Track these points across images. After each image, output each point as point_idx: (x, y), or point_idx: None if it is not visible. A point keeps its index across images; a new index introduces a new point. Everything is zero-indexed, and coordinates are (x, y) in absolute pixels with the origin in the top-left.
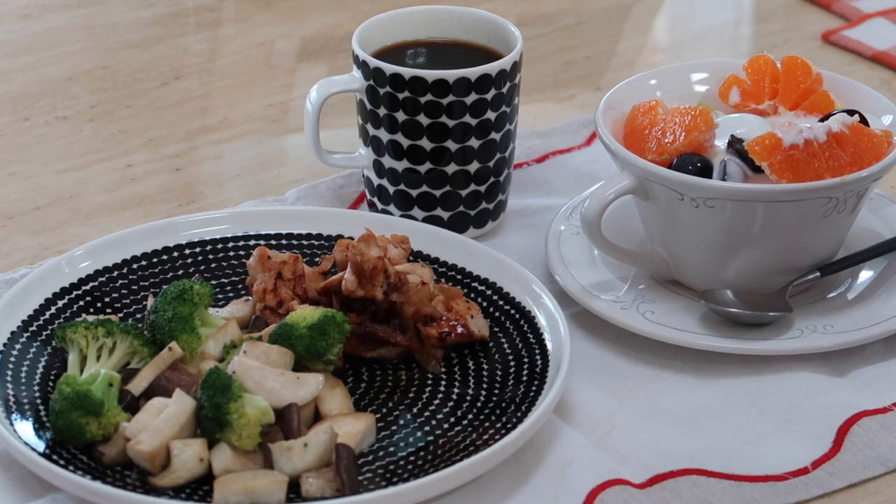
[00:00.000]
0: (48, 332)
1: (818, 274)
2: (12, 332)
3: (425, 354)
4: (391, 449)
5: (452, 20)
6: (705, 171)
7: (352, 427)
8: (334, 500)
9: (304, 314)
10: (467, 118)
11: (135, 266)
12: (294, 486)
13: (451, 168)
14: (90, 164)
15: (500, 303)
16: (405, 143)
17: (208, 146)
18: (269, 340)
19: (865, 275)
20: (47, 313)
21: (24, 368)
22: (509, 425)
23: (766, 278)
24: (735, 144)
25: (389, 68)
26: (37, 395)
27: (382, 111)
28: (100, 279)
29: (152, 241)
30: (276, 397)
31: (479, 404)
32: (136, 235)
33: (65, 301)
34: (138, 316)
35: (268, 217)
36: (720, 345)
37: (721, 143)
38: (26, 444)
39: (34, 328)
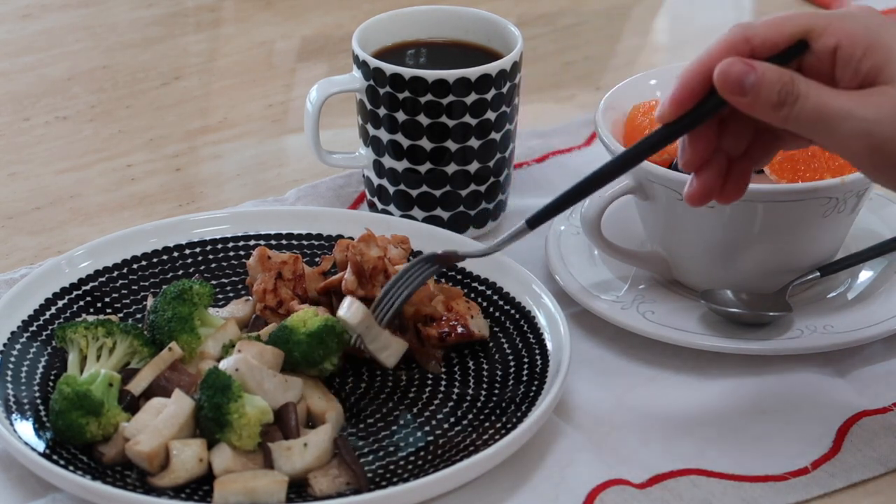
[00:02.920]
0: (48, 332)
1: (818, 274)
2: (12, 332)
3: (425, 354)
4: (391, 449)
5: (452, 20)
6: None
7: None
8: (340, 500)
9: (305, 319)
10: (467, 118)
11: (135, 266)
12: (294, 486)
13: (451, 168)
14: (90, 164)
15: (500, 303)
16: (405, 143)
17: (208, 146)
18: (268, 341)
19: (865, 275)
20: (47, 313)
21: (24, 368)
22: (509, 425)
23: (766, 278)
24: None
25: (389, 68)
26: (37, 395)
27: (382, 111)
28: (100, 279)
29: (152, 241)
30: (271, 398)
31: (479, 404)
32: (136, 235)
33: (65, 301)
34: (138, 316)
35: (268, 217)
36: (720, 345)
37: None
38: (26, 444)
39: (34, 328)
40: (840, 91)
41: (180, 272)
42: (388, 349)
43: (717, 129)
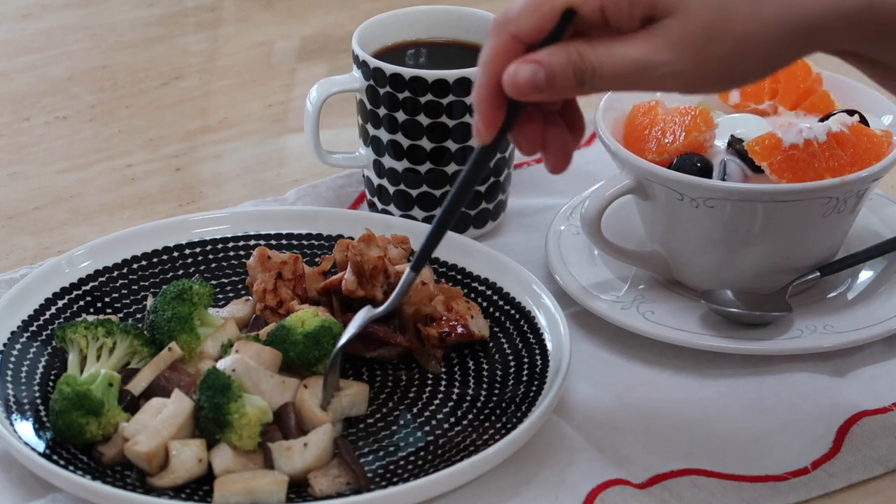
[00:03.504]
0: (48, 332)
1: (818, 274)
2: (12, 332)
3: (425, 354)
4: (391, 449)
5: (452, 20)
6: (705, 171)
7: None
8: (340, 500)
9: (303, 319)
10: (467, 118)
11: (135, 266)
12: (294, 486)
13: (451, 168)
14: (90, 164)
15: (500, 303)
16: (405, 143)
17: (208, 146)
18: (266, 341)
19: (865, 275)
20: (47, 313)
21: (24, 368)
22: (509, 425)
23: (766, 278)
24: (735, 144)
25: (389, 68)
26: (37, 395)
27: (382, 111)
28: (100, 279)
29: (152, 241)
30: (269, 398)
31: (479, 404)
32: (136, 235)
33: (65, 301)
34: (138, 316)
35: (268, 217)
36: (720, 345)
37: (721, 143)
38: (26, 444)
39: (34, 328)
40: (629, 39)
41: (180, 272)
42: (354, 405)
43: (535, 107)
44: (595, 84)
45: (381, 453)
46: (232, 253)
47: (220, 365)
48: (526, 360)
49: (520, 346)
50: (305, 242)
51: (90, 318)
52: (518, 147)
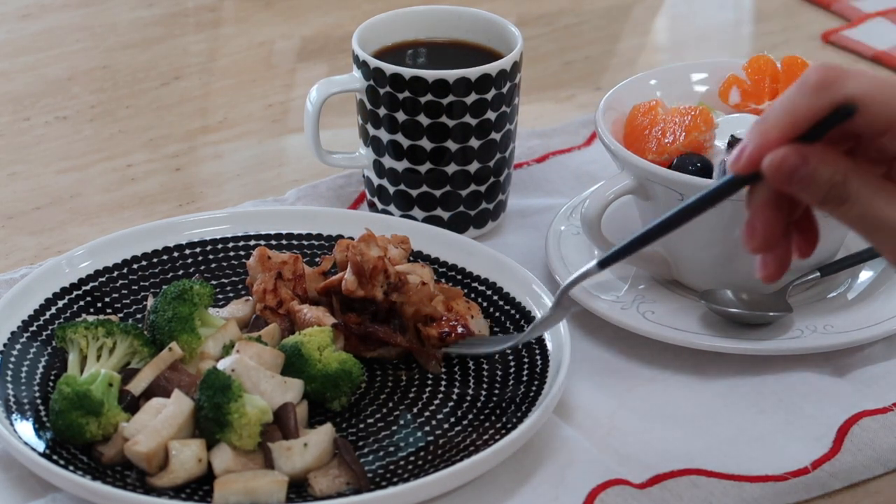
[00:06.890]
0: (48, 332)
1: (818, 274)
2: (12, 332)
3: (425, 354)
4: (391, 449)
5: (452, 20)
6: (705, 171)
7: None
8: (340, 500)
9: (321, 345)
10: (467, 118)
11: (135, 266)
12: (294, 486)
13: (451, 168)
14: (90, 164)
15: (500, 303)
16: (405, 143)
17: (208, 146)
18: (284, 366)
19: (865, 275)
20: (47, 313)
21: (24, 368)
22: (509, 425)
23: None
24: (735, 144)
25: (389, 68)
26: (37, 395)
27: (382, 111)
28: (100, 279)
29: (152, 241)
30: (269, 398)
31: (479, 404)
32: (136, 235)
33: (65, 301)
34: (138, 316)
35: (268, 217)
36: (720, 345)
37: (721, 143)
38: (26, 444)
39: (34, 328)
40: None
41: (180, 272)
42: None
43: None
44: (836, 211)
45: (381, 453)
46: (232, 253)
47: (220, 365)
48: (526, 360)
49: (520, 346)
50: (305, 242)
51: (90, 318)
52: (749, 234)
